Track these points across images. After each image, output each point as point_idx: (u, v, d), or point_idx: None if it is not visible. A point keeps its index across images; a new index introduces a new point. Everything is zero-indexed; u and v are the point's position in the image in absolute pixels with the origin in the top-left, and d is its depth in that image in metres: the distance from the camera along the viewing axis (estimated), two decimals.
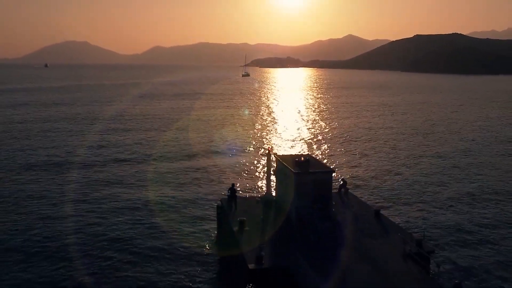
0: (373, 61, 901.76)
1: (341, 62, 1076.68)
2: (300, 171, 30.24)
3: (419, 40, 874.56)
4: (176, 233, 33.65)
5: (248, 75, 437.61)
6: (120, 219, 36.40)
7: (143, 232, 33.70)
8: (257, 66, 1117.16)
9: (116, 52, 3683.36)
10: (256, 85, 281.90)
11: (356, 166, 56.99)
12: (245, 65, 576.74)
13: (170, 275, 27.14)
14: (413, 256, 25.11)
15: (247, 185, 47.24)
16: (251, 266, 23.71)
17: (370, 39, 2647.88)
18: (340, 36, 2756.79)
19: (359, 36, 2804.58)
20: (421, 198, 43.23)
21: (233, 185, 34.19)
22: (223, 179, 48.76)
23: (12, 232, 33.29)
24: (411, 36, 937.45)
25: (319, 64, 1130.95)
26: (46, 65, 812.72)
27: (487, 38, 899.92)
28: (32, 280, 26.38)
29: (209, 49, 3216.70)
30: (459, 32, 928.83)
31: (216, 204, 35.23)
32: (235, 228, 28.78)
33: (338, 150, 68.06)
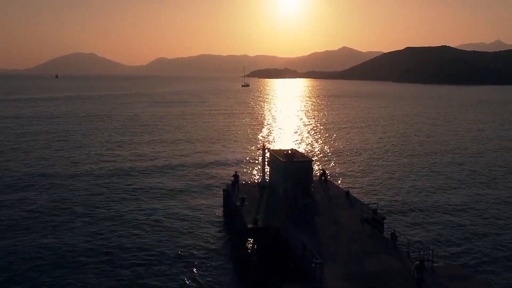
0: (367, 72, 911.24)
1: (336, 73, 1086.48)
2: (287, 161, 38.05)
3: (410, 52, 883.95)
4: (191, 209, 41.62)
5: (247, 85, 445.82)
6: (144, 203, 44.29)
7: (165, 208, 41.60)
8: (256, 77, 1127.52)
9: (121, 63, 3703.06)
10: (255, 94, 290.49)
11: (335, 159, 67.94)
12: (245, 76, 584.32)
13: (186, 237, 35.03)
14: (369, 220, 32.79)
15: (247, 173, 56.43)
16: (249, 225, 31.39)
17: (364, 51, 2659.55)
18: (336, 48, 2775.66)
19: (353, 48, 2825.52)
20: (380, 181, 54.31)
21: (236, 172, 42.05)
22: (227, 170, 57.71)
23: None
24: (402, 48, 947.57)
25: (315, 75, 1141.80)
26: (56, 76, 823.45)
27: (474, 50, 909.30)
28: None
29: (211, 61, 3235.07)
30: (448, 45, 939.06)
31: (222, 188, 43.20)
32: (238, 203, 36.45)
33: (321, 146, 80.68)
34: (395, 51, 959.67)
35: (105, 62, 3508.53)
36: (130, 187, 49.48)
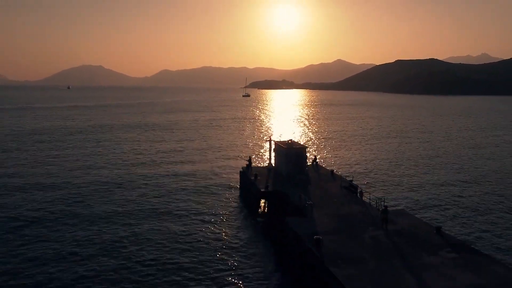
0: (360, 83, 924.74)
1: (331, 84, 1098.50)
2: (287, 148, 49.55)
3: (400, 64, 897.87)
4: (214, 186, 53.20)
5: (248, 95, 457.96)
6: (177, 183, 55.72)
7: (194, 185, 53.08)
8: (255, 88, 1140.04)
9: (127, 75, 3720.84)
10: (257, 103, 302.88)
11: (324, 148, 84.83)
12: (245, 87, 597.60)
13: (214, 203, 46.51)
14: (346, 187, 44.09)
15: (257, 159, 70.73)
16: (262, 189, 42.73)
17: (357, 63, 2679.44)
18: (330, 61, 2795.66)
19: (347, 60, 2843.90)
20: (356, 164, 69.65)
21: (250, 158, 53.54)
22: (243, 156, 71.34)
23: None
24: (393, 61, 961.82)
25: (311, 86, 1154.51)
26: (68, 87, 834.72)
27: (460, 63, 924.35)
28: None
29: (212, 73, 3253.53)
30: (436, 57, 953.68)
31: (239, 171, 54.70)
32: (252, 178, 47.81)
33: (314, 139, 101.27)
34: (386, 63, 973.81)
35: (112, 73, 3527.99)
36: (162, 174, 61.03)
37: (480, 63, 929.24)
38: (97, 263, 30.60)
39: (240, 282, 28.45)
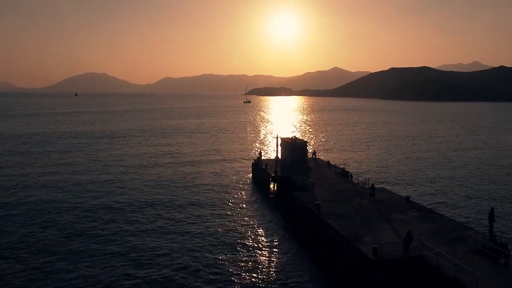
0: (355, 90, 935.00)
1: (328, 91, 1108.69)
2: (292, 142, 58.85)
3: (394, 72, 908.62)
4: (230, 175, 62.33)
5: (249, 102, 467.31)
6: (199, 173, 64.88)
7: (214, 173, 62.15)
8: (255, 94, 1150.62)
9: (131, 82, 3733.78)
10: (259, 109, 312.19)
11: (322, 145, 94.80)
12: (246, 94, 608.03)
13: (230, 186, 55.65)
14: (340, 173, 53.28)
15: (267, 153, 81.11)
16: (272, 175, 51.90)
17: (353, 71, 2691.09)
18: (327, 68, 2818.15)
19: (343, 68, 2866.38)
20: (347, 155, 79.44)
21: (260, 151, 62.87)
22: (254, 151, 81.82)
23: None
24: (387, 68, 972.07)
25: (309, 93, 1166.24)
26: (76, 94, 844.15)
27: (452, 71, 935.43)
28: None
29: (213, 80, 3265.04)
30: (429, 65, 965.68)
31: (251, 162, 63.93)
32: (263, 167, 56.99)
33: (313, 135, 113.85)
34: (380, 71, 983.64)
35: (116, 81, 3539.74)
36: (185, 170, 70.12)
37: (471, 71, 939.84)
38: (138, 243, 35.78)
39: (260, 239, 37.70)
